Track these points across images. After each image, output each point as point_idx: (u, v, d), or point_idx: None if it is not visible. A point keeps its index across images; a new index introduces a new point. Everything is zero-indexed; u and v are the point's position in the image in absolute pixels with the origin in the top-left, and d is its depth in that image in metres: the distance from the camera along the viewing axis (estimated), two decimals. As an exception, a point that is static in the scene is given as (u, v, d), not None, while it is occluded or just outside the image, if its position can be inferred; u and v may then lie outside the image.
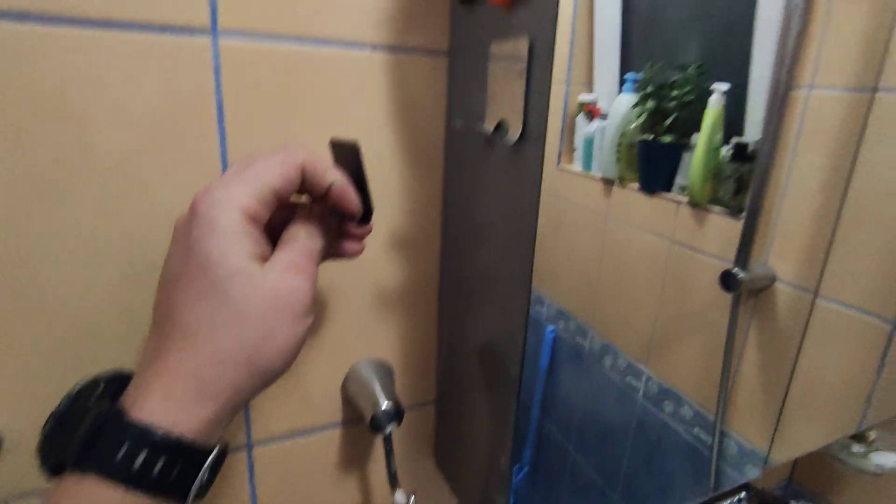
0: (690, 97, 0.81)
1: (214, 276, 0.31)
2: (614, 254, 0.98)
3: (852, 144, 0.61)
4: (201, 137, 0.38)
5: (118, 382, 0.39)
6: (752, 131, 0.79)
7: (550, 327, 1.20)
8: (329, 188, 0.35)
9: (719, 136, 0.80)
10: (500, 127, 0.36)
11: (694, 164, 0.81)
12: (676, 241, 0.84)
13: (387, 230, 0.46)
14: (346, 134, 0.40)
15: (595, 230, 1.02)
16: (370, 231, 0.39)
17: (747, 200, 0.71)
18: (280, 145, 0.36)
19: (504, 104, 0.35)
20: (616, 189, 0.97)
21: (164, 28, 0.34)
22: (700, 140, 0.80)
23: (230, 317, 0.31)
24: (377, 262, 0.47)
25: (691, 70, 0.81)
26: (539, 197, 0.37)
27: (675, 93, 0.83)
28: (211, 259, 0.31)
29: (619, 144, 0.95)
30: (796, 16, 0.63)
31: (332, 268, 0.46)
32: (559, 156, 1.00)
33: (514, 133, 0.34)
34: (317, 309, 0.48)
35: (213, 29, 0.35)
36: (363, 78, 0.39)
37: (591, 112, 1.04)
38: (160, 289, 0.34)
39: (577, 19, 0.97)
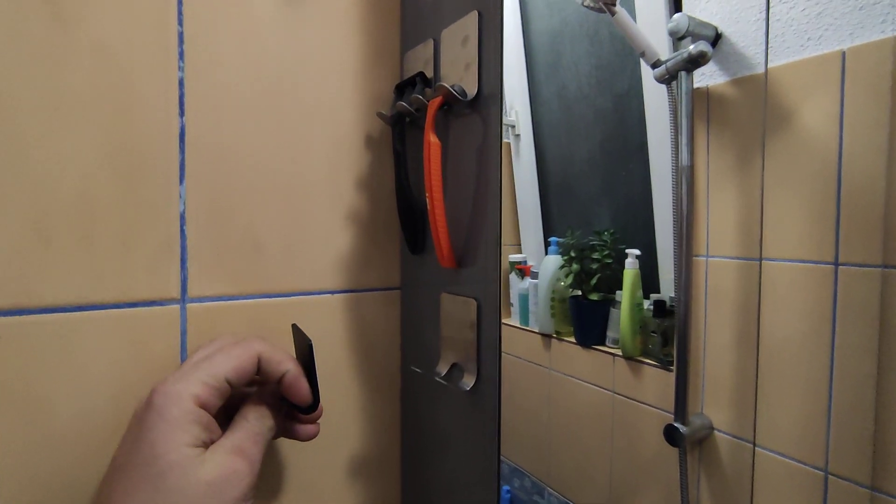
0: (609, 260, 0.91)
1: (155, 468, 0.33)
2: (561, 407, 1.00)
3: (753, 305, 0.70)
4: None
5: None
6: (667, 288, 0.88)
7: (506, 487, 1.15)
8: (282, 377, 0.38)
9: (639, 293, 0.88)
10: (453, 369, 0.38)
11: (622, 320, 0.87)
12: (618, 392, 0.88)
13: (347, 456, 0.46)
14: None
15: (539, 384, 1.05)
16: (320, 415, 0.40)
17: (674, 354, 0.77)
18: (240, 337, 0.39)
19: (457, 349, 0.38)
20: (554, 343, 1.02)
21: (135, 303, 0.35)
22: (623, 298, 0.87)
23: None
24: (337, 487, 0.45)
25: (606, 236, 0.92)
26: (499, 436, 0.39)
27: (595, 255, 0.92)
28: (156, 449, 0.33)
29: (553, 300, 1.02)
30: (683, 199, 0.74)
31: (295, 496, 0.45)
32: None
33: (468, 379, 0.37)
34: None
35: (183, 298, 0.37)
36: (323, 316, 0.42)
37: (522, 270, 1.12)
38: (105, 479, 0.35)
39: (502, 184, 1.06)
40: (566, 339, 1.01)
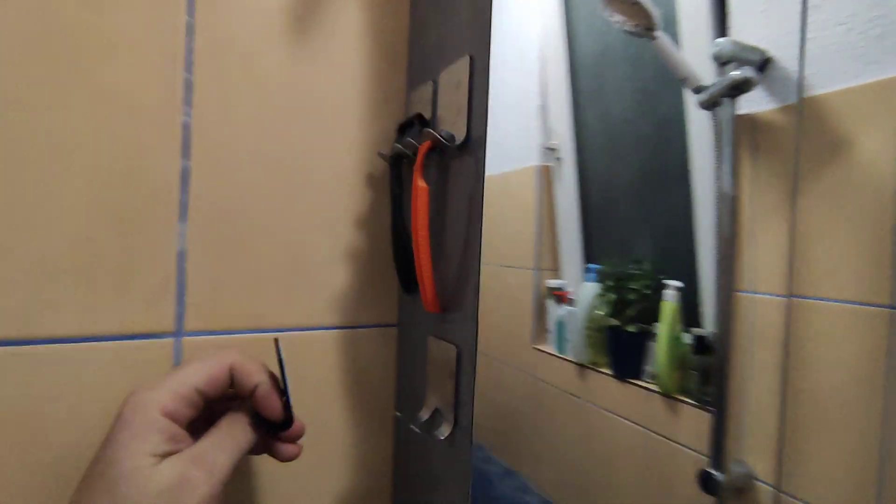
0: (648, 291, 0.87)
1: (111, 476, 0.34)
2: (595, 441, 0.96)
3: (800, 347, 0.65)
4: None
5: None
6: (710, 323, 0.83)
7: (539, 520, 1.12)
8: (254, 390, 0.39)
9: (678, 327, 0.84)
10: (434, 415, 0.38)
11: (659, 354, 0.83)
12: (653, 430, 0.84)
13: (336, 495, 0.47)
14: (299, 402, 0.43)
15: (574, 415, 1.01)
16: (302, 434, 0.40)
17: (714, 395, 0.72)
18: (217, 349, 0.40)
19: (439, 395, 0.38)
20: (590, 373, 0.98)
21: (131, 336, 0.38)
22: (661, 332, 0.83)
23: None
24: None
25: (646, 266, 0.88)
26: (470, 485, 0.38)
27: (633, 285, 0.89)
28: (115, 455, 0.34)
29: (589, 329, 0.99)
30: (725, 230, 0.70)
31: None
32: (533, 337, 1.03)
33: (445, 428, 0.37)
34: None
35: (178, 332, 0.40)
36: (319, 351, 0.44)
37: (559, 297, 1.10)
38: (76, 487, 0.36)
39: (542, 207, 1.05)
40: (602, 370, 0.98)
